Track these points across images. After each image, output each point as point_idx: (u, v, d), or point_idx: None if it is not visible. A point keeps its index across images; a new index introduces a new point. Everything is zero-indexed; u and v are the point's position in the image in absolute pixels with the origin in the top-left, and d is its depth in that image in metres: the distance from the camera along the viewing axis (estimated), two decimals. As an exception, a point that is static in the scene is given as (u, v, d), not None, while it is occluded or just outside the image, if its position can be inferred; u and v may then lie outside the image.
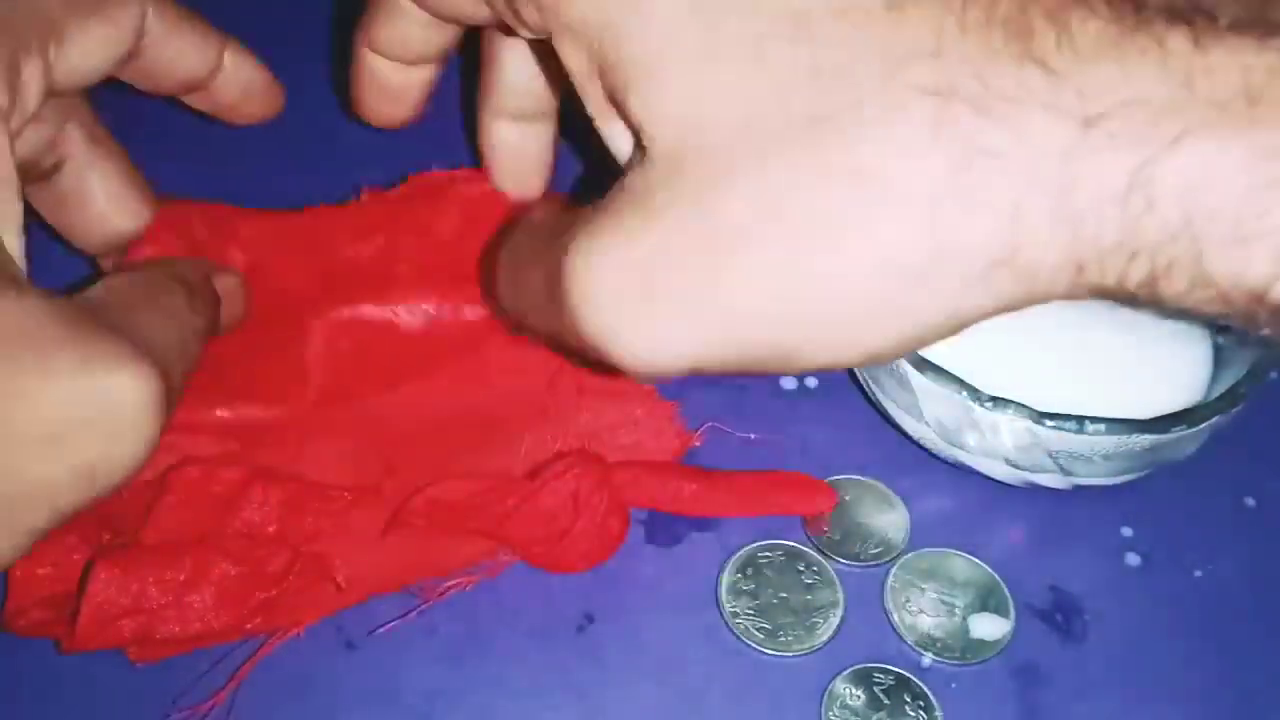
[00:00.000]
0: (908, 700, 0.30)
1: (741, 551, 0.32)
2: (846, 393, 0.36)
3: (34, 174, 0.29)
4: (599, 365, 0.24)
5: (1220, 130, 0.19)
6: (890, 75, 0.20)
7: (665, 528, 0.33)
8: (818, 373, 0.32)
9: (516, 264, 0.27)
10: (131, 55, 0.28)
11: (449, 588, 0.31)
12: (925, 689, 0.30)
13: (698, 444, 0.34)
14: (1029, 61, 0.20)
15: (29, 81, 0.24)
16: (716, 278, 0.21)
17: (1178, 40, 0.19)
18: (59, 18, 0.25)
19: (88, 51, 0.26)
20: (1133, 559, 0.33)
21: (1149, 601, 0.32)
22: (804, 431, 0.35)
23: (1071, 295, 0.21)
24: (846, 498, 0.34)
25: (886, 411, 0.33)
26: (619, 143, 0.25)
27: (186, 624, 0.29)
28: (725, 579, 0.32)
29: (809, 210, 0.21)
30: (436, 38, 0.30)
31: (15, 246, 0.24)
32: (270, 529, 0.30)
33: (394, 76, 0.31)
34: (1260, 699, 0.30)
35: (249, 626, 0.30)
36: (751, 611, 0.31)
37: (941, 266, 0.21)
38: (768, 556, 0.32)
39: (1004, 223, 0.20)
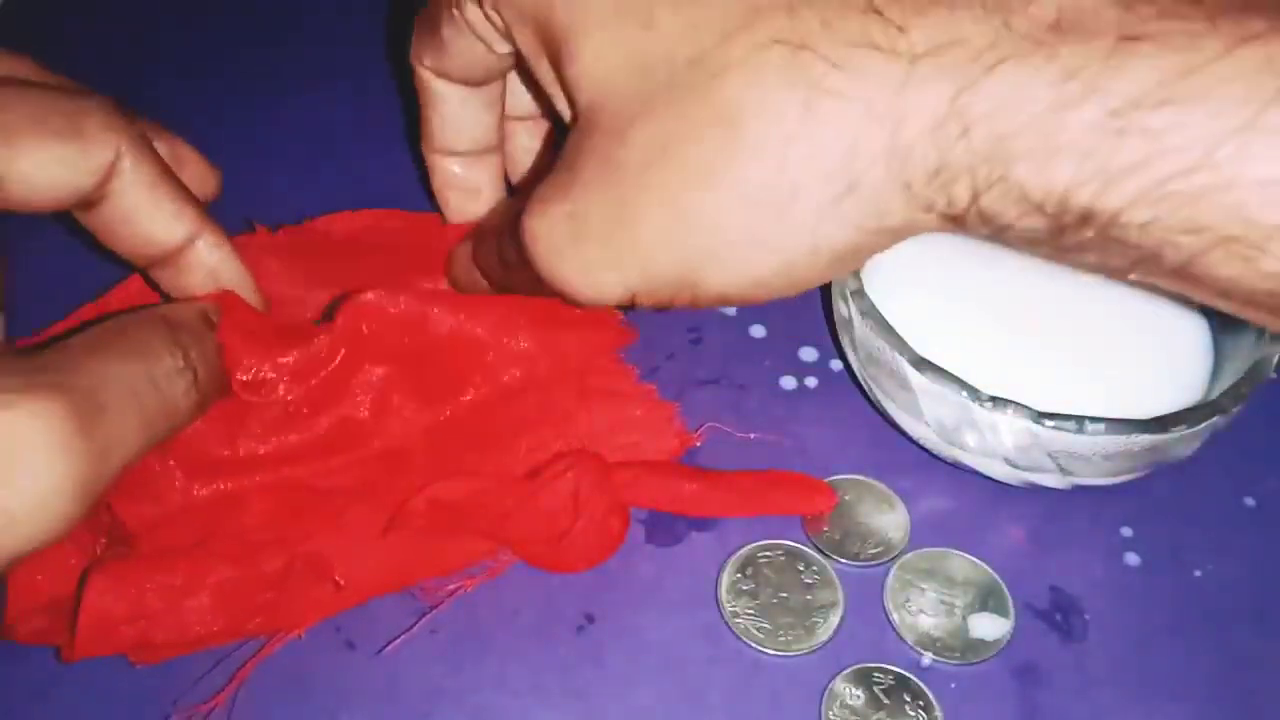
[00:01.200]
0: (907, 700, 0.30)
1: (741, 551, 0.32)
2: (846, 393, 0.36)
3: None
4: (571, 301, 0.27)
5: (1029, 59, 0.21)
6: (750, 26, 0.23)
7: (665, 528, 0.33)
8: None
9: (491, 236, 0.31)
10: (94, 199, 0.27)
11: (451, 592, 0.31)
12: (925, 689, 0.30)
13: (697, 444, 0.34)
14: (870, 12, 0.22)
15: None
16: (623, 216, 0.25)
17: None
18: (18, 128, 0.25)
19: (42, 171, 0.26)
20: (1132, 559, 0.33)
21: (1149, 601, 0.32)
22: (804, 431, 0.35)
23: (927, 226, 0.24)
24: (846, 498, 0.34)
25: (886, 411, 0.33)
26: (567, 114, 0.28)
27: (185, 628, 0.29)
28: (725, 579, 0.32)
29: (685, 153, 0.24)
30: (481, 118, 0.33)
31: None
32: (265, 534, 0.30)
33: (466, 174, 0.35)
34: (1260, 699, 0.30)
35: (249, 628, 0.30)
36: (751, 611, 0.31)
37: (796, 200, 0.24)
38: (767, 556, 0.32)
39: (845, 158, 0.23)
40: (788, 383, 0.37)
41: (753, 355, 0.37)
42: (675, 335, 0.37)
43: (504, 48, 0.29)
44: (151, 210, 0.28)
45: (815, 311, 0.38)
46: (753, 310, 0.38)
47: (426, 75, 0.32)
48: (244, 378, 0.31)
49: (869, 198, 0.23)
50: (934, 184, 0.23)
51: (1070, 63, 0.21)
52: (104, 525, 0.30)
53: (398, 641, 0.30)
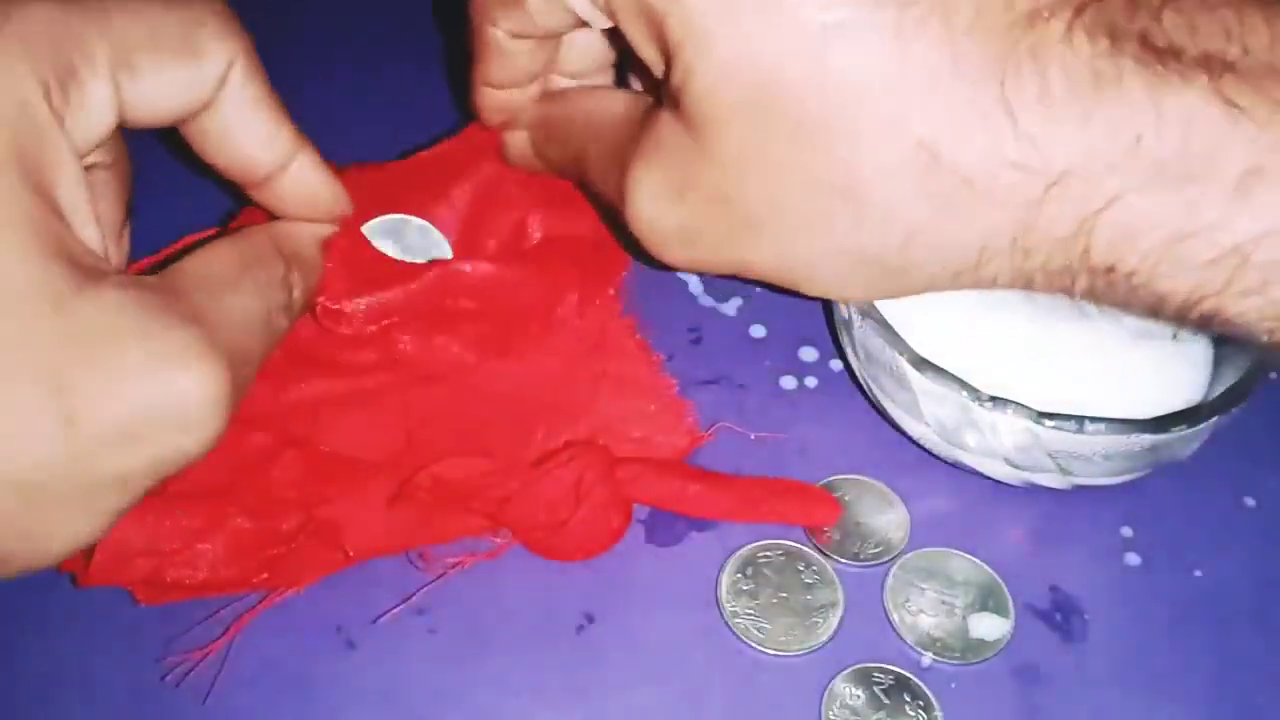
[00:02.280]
0: (907, 700, 0.30)
1: (741, 551, 0.32)
2: (846, 393, 0.36)
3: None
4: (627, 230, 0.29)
5: (1152, 193, 0.23)
6: (896, 113, 0.24)
7: (665, 527, 0.33)
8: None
9: (593, 147, 0.31)
10: (202, 109, 0.27)
11: (450, 566, 0.31)
12: (925, 689, 0.30)
13: (705, 442, 0.34)
14: (1002, 113, 0.23)
15: (94, 101, 0.24)
16: (736, 243, 0.27)
17: (1136, 89, 0.22)
18: (136, 47, 0.24)
19: (161, 91, 0.25)
20: (1132, 559, 0.33)
21: (1149, 601, 0.32)
22: (804, 431, 0.35)
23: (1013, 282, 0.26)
24: (846, 498, 0.34)
25: (886, 411, 0.33)
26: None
27: (195, 570, 0.29)
28: (725, 579, 0.32)
29: (803, 214, 0.26)
30: (540, 59, 0.33)
31: (92, 237, 0.23)
32: (290, 493, 0.31)
33: (514, 96, 0.34)
34: (1260, 699, 0.30)
35: (255, 581, 0.30)
36: (751, 611, 0.31)
37: (909, 272, 0.26)
38: (767, 556, 0.32)
39: (971, 254, 0.25)
40: (788, 383, 0.37)
41: (753, 355, 0.37)
42: (675, 335, 0.37)
43: (602, 24, 0.29)
44: (252, 125, 0.28)
45: (815, 311, 0.38)
46: (753, 310, 0.38)
47: (495, 33, 0.31)
48: (331, 306, 0.31)
49: (983, 281, 0.26)
50: (1054, 274, 0.25)
51: (1190, 195, 0.23)
52: None
53: (398, 642, 0.30)
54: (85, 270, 0.22)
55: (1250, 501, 0.35)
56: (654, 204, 0.28)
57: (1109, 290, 0.24)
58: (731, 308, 0.39)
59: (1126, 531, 0.34)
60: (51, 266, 0.22)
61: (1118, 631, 0.32)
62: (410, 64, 0.46)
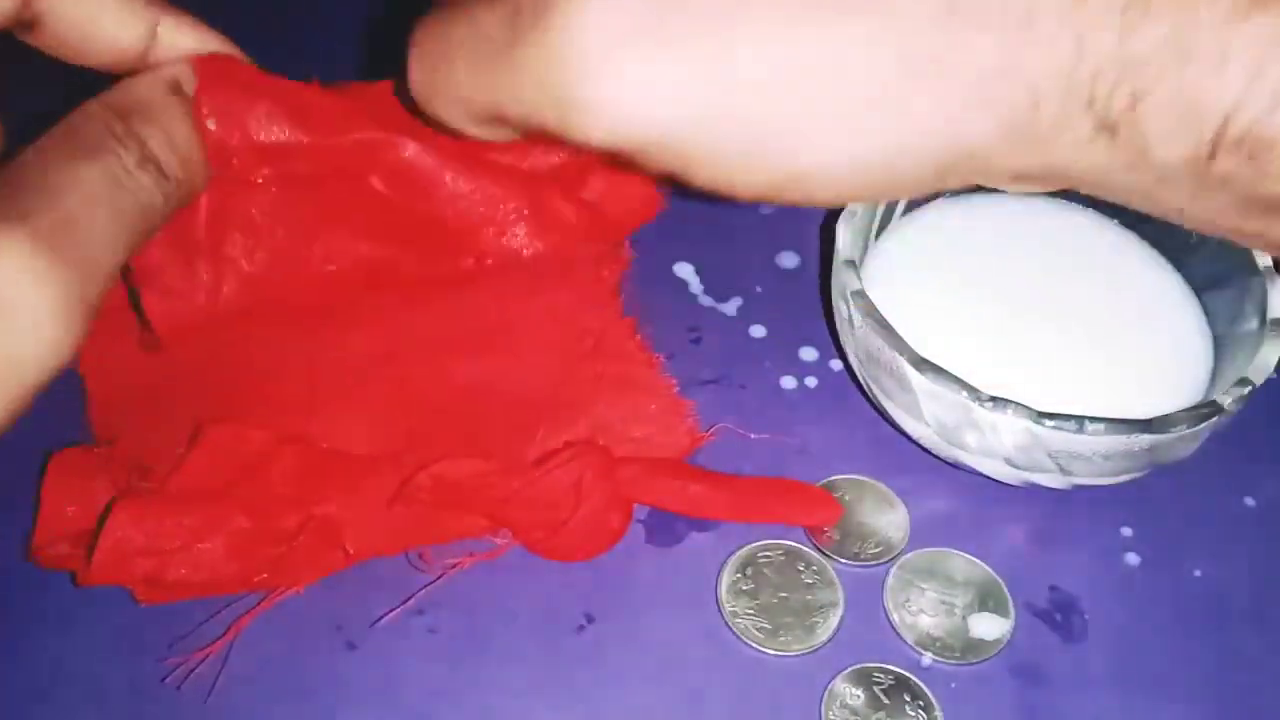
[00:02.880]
0: (907, 700, 0.30)
1: (741, 551, 0.32)
2: (846, 393, 0.36)
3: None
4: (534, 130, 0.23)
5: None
6: None
7: (665, 528, 0.33)
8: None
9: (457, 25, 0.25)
10: (28, 18, 0.24)
11: (450, 566, 0.31)
12: (925, 689, 0.30)
13: (705, 442, 0.34)
14: None
15: None
16: (720, 40, 0.21)
17: None
18: None
19: None
20: (1132, 559, 0.33)
21: (1148, 601, 0.32)
22: (804, 431, 0.35)
23: (1062, 145, 0.21)
24: (846, 498, 0.34)
25: (886, 411, 0.33)
26: None
27: (196, 570, 0.29)
28: (725, 579, 0.32)
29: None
30: None
31: None
32: (289, 490, 0.31)
33: None
34: (1260, 699, 0.30)
35: (255, 580, 0.30)
36: (751, 611, 0.31)
37: (939, 78, 0.21)
38: (767, 556, 0.32)
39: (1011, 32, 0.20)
40: (788, 383, 0.37)
41: (753, 355, 0.37)
42: (675, 335, 0.37)
43: None
44: (97, 16, 0.25)
45: (815, 311, 0.38)
46: (753, 310, 0.38)
47: None
48: (231, 143, 0.28)
49: (1027, 82, 0.21)
50: (1101, 74, 0.20)
51: None
52: (133, 462, 0.31)
53: (398, 642, 0.30)
54: None
55: (1250, 501, 0.35)
56: (606, 50, 0.21)
57: (1155, 92, 0.20)
58: (731, 308, 0.39)
59: (1126, 531, 0.34)
60: None
61: (1117, 631, 0.32)
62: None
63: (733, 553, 0.32)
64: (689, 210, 0.37)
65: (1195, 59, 0.20)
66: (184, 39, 0.27)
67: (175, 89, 0.26)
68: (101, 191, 0.23)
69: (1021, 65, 0.21)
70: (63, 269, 0.21)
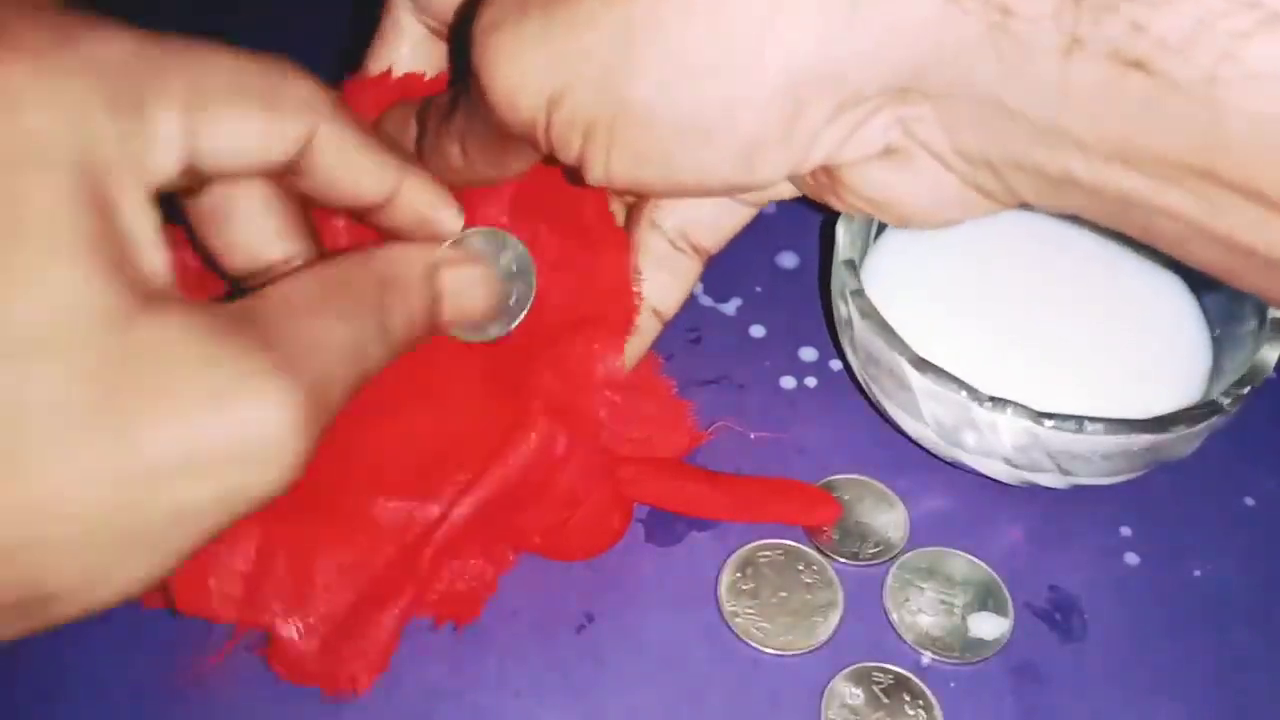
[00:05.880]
0: (907, 699, 0.30)
1: (741, 551, 0.32)
2: (846, 393, 0.36)
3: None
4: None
5: None
6: None
7: (665, 527, 0.33)
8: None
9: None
10: (294, 169, 0.26)
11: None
12: (924, 688, 0.30)
13: (704, 442, 0.34)
14: None
15: (164, 133, 0.22)
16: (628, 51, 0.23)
17: None
18: (213, 89, 0.23)
19: (238, 141, 0.24)
20: (1131, 558, 0.33)
21: (1148, 601, 0.32)
22: (804, 431, 0.35)
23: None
24: (846, 498, 0.34)
25: (886, 411, 0.33)
26: None
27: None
28: (725, 578, 0.32)
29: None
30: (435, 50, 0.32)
31: (157, 265, 0.22)
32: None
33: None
34: (1259, 699, 0.31)
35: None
36: (751, 611, 0.31)
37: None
38: (767, 556, 0.32)
39: None
40: (788, 383, 0.37)
41: (753, 355, 0.37)
42: (675, 335, 0.37)
43: None
44: (352, 173, 0.27)
45: (815, 311, 0.38)
46: (753, 310, 0.38)
47: (406, 17, 0.31)
48: None
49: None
50: (1107, 21, 0.20)
51: None
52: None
53: (398, 641, 0.30)
54: (147, 293, 0.21)
55: (1250, 501, 0.35)
56: (506, 42, 0.24)
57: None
58: (731, 307, 0.39)
59: (1126, 531, 0.34)
60: (111, 285, 0.20)
61: (1117, 631, 0.32)
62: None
63: (733, 552, 0.32)
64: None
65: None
66: (421, 196, 0.28)
67: (431, 274, 0.28)
68: (343, 349, 0.24)
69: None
70: (313, 426, 0.22)
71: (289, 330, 0.23)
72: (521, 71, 0.25)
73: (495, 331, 0.30)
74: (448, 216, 0.29)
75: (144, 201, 0.22)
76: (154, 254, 0.22)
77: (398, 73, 0.32)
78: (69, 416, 0.20)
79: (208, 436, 0.21)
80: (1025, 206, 0.25)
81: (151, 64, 0.22)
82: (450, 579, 0.31)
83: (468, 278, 0.29)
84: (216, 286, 0.31)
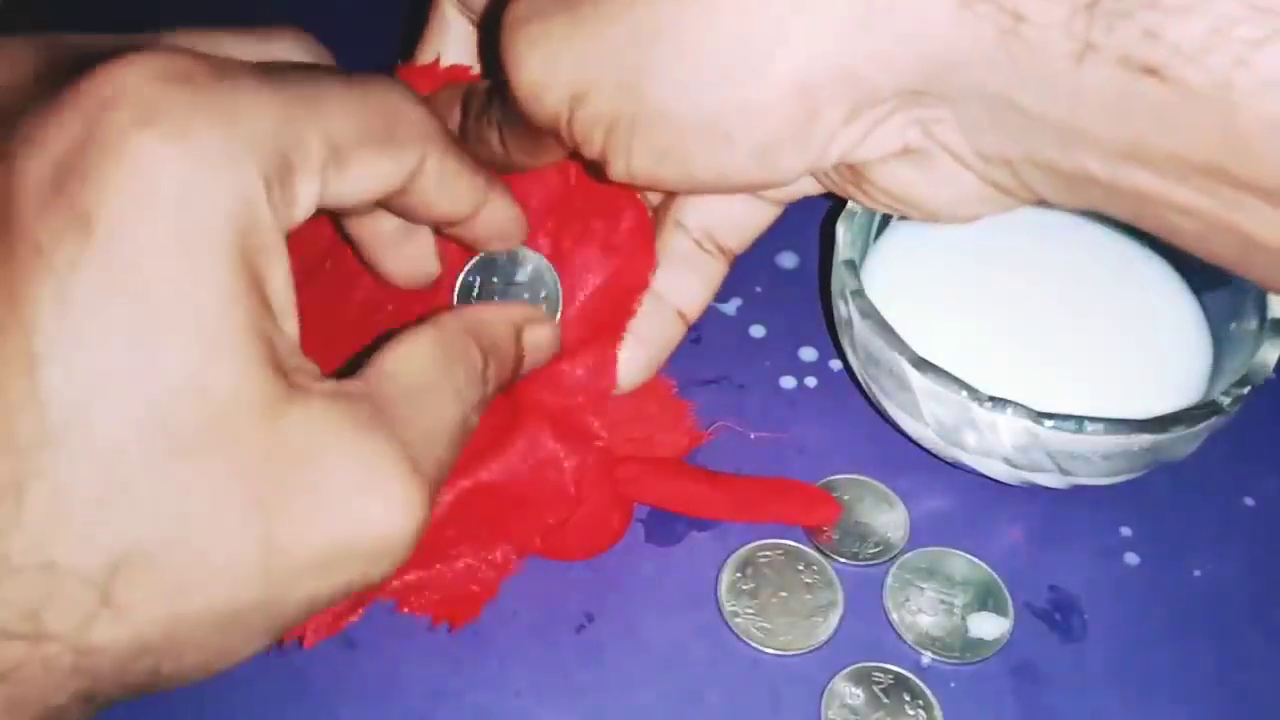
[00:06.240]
0: (907, 699, 0.30)
1: (741, 551, 0.32)
2: (846, 393, 0.36)
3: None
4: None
5: None
6: None
7: (665, 527, 0.33)
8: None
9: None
10: (399, 192, 0.26)
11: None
12: (924, 688, 0.30)
13: (704, 442, 0.34)
14: None
15: (303, 195, 0.23)
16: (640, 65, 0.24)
17: None
18: (345, 143, 0.23)
19: (364, 185, 0.24)
20: (1131, 558, 0.33)
21: (1148, 601, 0.32)
22: (804, 431, 0.35)
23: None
24: (846, 498, 0.34)
25: (886, 411, 0.33)
26: None
27: None
28: (725, 578, 0.32)
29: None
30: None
31: (291, 329, 0.22)
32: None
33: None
34: (1259, 699, 0.30)
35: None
36: (751, 611, 0.31)
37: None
38: (767, 556, 0.32)
39: None
40: (788, 383, 0.37)
41: (753, 355, 0.37)
42: (675, 335, 0.37)
43: None
44: (453, 195, 0.27)
45: (815, 311, 0.38)
46: (753, 310, 0.38)
47: (451, 11, 0.32)
48: None
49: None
50: (1119, 26, 0.20)
51: None
52: None
53: (398, 642, 0.30)
54: (290, 375, 0.21)
55: (1250, 501, 0.35)
56: (536, 44, 0.25)
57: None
58: (731, 307, 0.39)
59: (1126, 531, 0.34)
60: (265, 374, 0.21)
61: (1117, 631, 0.32)
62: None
63: (732, 552, 0.32)
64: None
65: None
66: (502, 214, 0.29)
67: (518, 336, 0.29)
68: (455, 430, 0.25)
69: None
70: (426, 516, 0.22)
71: (412, 417, 0.23)
72: (546, 67, 0.25)
73: None
74: (523, 230, 0.30)
75: (288, 271, 0.22)
76: (290, 323, 0.22)
77: (445, 64, 0.33)
78: (227, 516, 0.20)
79: (345, 536, 0.21)
80: (1043, 203, 0.25)
81: (293, 127, 0.22)
82: (451, 580, 0.31)
83: (544, 335, 0.30)
84: None
